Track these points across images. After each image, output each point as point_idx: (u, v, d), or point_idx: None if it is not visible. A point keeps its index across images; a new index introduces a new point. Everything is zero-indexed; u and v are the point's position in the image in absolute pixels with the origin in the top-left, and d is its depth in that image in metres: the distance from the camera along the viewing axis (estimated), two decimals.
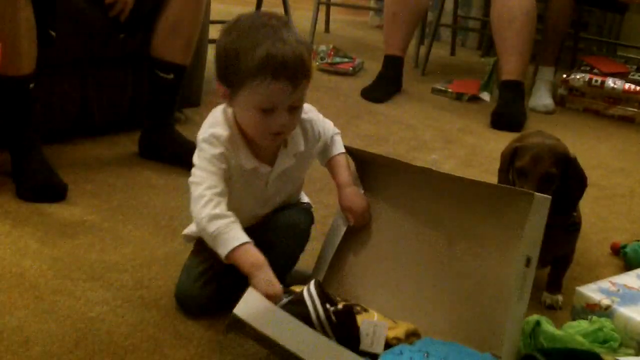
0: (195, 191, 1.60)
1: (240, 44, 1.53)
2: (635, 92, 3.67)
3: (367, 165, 1.85)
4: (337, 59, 4.21)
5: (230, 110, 1.66)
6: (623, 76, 3.77)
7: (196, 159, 1.64)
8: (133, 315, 1.72)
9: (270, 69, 1.51)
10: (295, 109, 1.59)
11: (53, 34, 2.34)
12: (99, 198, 2.30)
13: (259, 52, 1.50)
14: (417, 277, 1.74)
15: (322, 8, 4.95)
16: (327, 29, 5.17)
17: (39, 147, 2.33)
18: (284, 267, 1.74)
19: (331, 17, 5.21)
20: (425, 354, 1.49)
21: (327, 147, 1.83)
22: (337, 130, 1.85)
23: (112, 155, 2.66)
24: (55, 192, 2.26)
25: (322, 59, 4.19)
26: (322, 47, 4.24)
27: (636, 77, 3.77)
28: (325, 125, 1.82)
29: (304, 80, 1.56)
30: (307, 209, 1.86)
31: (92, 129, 2.76)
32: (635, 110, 3.70)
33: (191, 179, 1.62)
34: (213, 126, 1.64)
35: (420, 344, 1.55)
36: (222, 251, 1.55)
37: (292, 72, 1.53)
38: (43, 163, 2.31)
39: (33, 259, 1.91)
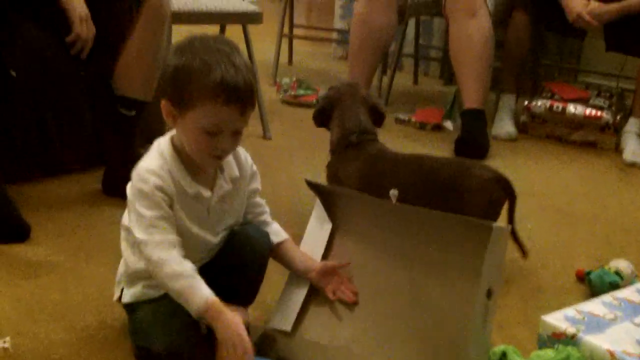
0: (147, 244, 1.57)
1: (193, 66, 1.54)
2: (596, 117, 3.70)
3: (330, 199, 1.85)
4: (301, 91, 4.20)
5: (166, 140, 1.66)
6: (584, 101, 3.80)
7: (139, 206, 1.58)
8: (96, 357, 1.71)
9: (223, 94, 1.53)
10: (238, 133, 1.62)
11: (14, 73, 2.33)
12: (63, 237, 2.28)
13: (213, 76, 1.52)
14: (380, 309, 1.74)
15: (285, 40, 4.97)
16: (290, 61, 5.18)
17: (2, 185, 2.31)
18: (250, 285, 1.77)
19: (294, 49, 5.23)
20: None
21: (273, 230, 1.84)
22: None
23: (76, 193, 2.65)
24: (19, 233, 2.24)
25: (285, 91, 4.19)
26: (285, 80, 4.25)
27: (596, 102, 3.80)
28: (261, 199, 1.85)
29: (251, 107, 1.59)
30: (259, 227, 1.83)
31: (56, 167, 2.74)
32: (597, 135, 3.74)
33: (137, 227, 1.58)
34: (147, 162, 1.62)
35: None
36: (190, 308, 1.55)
37: (242, 99, 1.56)
38: (7, 202, 2.28)
39: None
